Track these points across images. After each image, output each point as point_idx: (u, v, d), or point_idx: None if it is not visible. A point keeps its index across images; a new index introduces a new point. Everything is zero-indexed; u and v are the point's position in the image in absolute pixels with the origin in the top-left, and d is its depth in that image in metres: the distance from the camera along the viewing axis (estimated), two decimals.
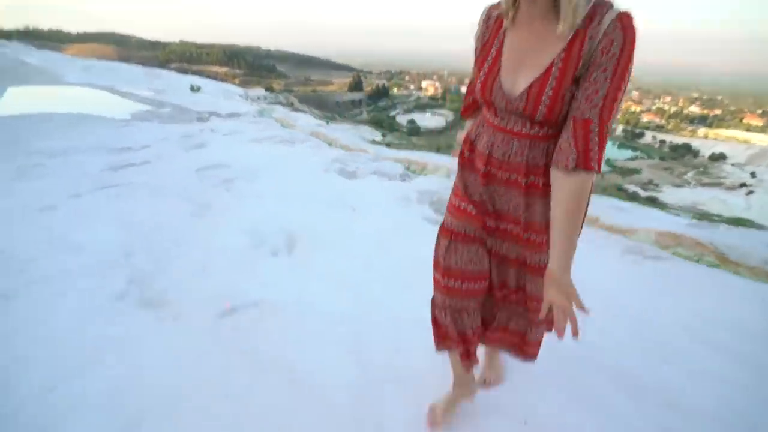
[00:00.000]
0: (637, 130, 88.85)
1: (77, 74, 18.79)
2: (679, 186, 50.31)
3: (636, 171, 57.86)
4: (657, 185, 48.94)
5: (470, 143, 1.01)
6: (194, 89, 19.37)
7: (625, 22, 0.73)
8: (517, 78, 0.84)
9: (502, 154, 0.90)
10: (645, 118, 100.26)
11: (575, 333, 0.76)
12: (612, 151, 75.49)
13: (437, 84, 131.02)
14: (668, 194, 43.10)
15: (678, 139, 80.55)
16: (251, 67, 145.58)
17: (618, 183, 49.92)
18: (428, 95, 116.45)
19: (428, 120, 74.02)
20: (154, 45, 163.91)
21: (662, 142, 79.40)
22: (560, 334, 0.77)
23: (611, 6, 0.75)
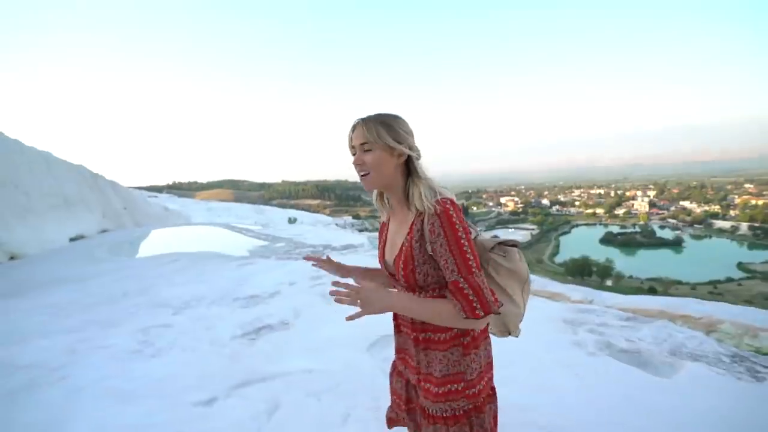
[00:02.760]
0: None
1: (203, 215, 22.71)
2: None
3: None
4: None
5: None
6: (291, 221, 21.99)
7: (439, 209, 0.94)
8: (392, 255, 1.08)
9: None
10: None
11: (334, 294, 0.94)
12: (741, 253, 65.20)
13: (516, 199, 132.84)
14: None
15: None
16: (339, 198, 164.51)
17: (764, 291, 41.44)
18: (508, 210, 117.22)
19: (512, 235, 72.92)
20: (261, 186, 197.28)
21: None
22: (337, 295, 0.95)
23: (435, 195, 0.98)
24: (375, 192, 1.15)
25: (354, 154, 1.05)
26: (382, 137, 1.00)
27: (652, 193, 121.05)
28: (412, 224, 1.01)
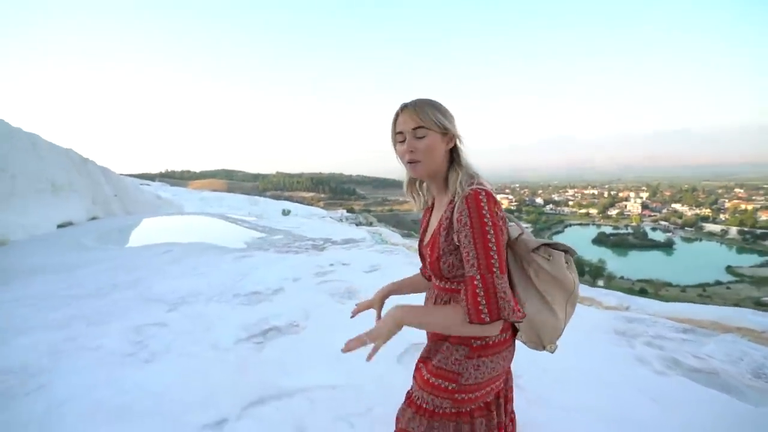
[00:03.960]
0: (758, 231, 77.42)
1: (196, 204, 22.20)
2: None
3: None
4: None
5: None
6: (285, 213, 21.65)
7: (469, 197, 0.89)
8: (427, 242, 1.06)
9: (427, 298, 1.11)
10: (763, 216, 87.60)
11: (345, 348, 0.89)
12: (730, 257, 66.26)
13: (511, 197, 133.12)
14: None
15: None
16: (334, 191, 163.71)
17: (754, 296, 42.02)
18: (503, 208, 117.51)
19: None
20: (256, 177, 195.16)
21: None
22: (345, 347, 0.90)
23: (472, 183, 0.93)
24: (406, 184, 1.13)
25: (401, 141, 0.99)
26: (439, 120, 0.95)
27: (644, 195, 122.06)
28: (445, 211, 0.97)
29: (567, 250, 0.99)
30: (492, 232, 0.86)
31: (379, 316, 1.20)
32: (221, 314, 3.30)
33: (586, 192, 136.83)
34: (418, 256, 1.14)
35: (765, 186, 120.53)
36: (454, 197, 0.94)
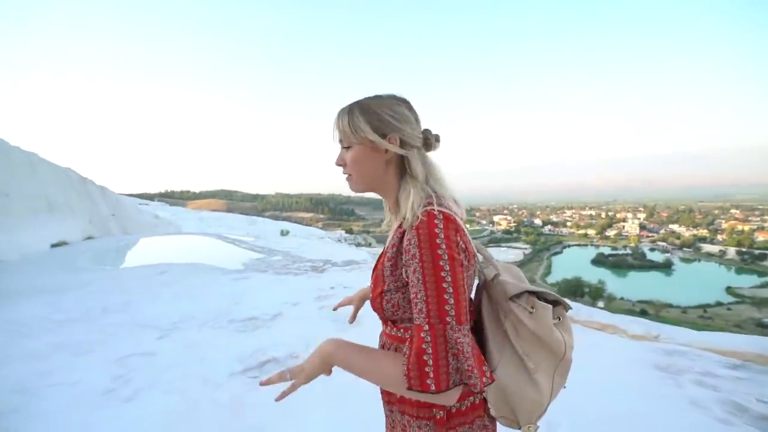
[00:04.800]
0: (756, 251, 77.48)
1: (194, 224, 21.99)
2: None
3: None
4: None
5: None
6: (284, 233, 21.44)
7: (421, 221, 0.68)
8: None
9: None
10: (760, 237, 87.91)
11: (264, 382, 0.75)
12: (729, 278, 65.99)
13: (509, 218, 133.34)
14: None
15: None
16: (333, 212, 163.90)
17: (756, 317, 41.58)
18: (501, 229, 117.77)
19: (504, 254, 73.53)
20: (255, 197, 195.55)
21: None
22: (262, 382, 0.76)
23: (428, 202, 0.72)
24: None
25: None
26: (359, 129, 0.77)
27: (642, 216, 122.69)
28: (392, 238, 0.79)
29: (557, 302, 0.76)
30: (448, 268, 0.65)
31: (354, 316, 1.09)
32: (215, 342, 3.06)
33: (583, 213, 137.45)
34: None
35: (760, 207, 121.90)
36: (403, 221, 0.73)
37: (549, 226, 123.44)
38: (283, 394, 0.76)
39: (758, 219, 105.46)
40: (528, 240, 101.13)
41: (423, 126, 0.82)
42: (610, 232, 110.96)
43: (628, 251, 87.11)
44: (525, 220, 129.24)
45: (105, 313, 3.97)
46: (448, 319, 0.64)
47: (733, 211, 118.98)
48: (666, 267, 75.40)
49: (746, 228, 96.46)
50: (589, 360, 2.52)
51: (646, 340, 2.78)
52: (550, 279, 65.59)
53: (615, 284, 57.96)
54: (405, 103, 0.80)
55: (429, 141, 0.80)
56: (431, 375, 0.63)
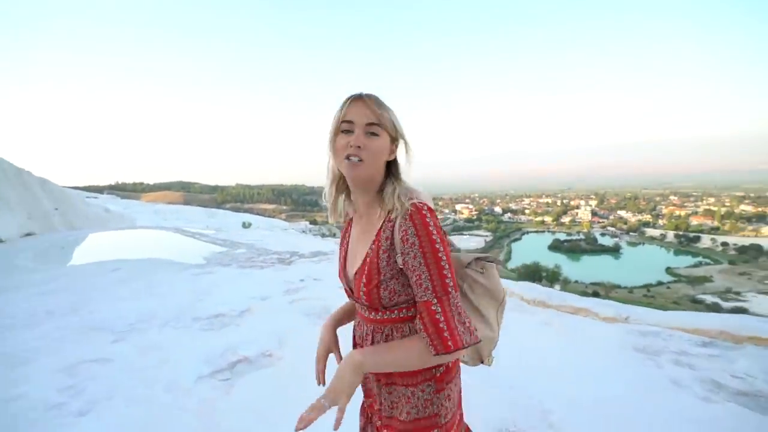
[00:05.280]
0: (691, 234, 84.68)
1: (149, 218, 20.74)
2: (765, 293, 44.46)
3: (707, 279, 53.10)
4: (738, 293, 43.74)
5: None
6: (246, 225, 20.73)
7: (413, 213, 0.79)
8: (352, 267, 0.91)
9: (359, 336, 0.96)
10: (694, 221, 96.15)
11: (299, 421, 0.72)
12: (669, 259, 71.72)
13: (471, 206, 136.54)
14: (757, 303, 38.27)
15: (742, 240, 75.09)
16: (296, 203, 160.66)
17: (689, 294, 45.55)
18: (464, 217, 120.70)
19: (467, 241, 75.68)
20: (214, 188, 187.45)
21: (724, 244, 74.16)
22: (299, 423, 0.72)
23: (410, 197, 0.82)
24: (328, 187, 0.95)
25: (345, 131, 0.84)
26: (395, 123, 0.86)
27: (593, 203, 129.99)
28: (379, 230, 0.85)
29: (495, 261, 0.96)
30: (442, 249, 0.78)
31: (339, 357, 1.04)
32: (179, 343, 2.84)
33: (540, 201, 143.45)
34: (343, 285, 0.98)
35: (695, 194, 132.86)
36: (390, 213, 0.82)
37: (509, 214, 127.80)
38: (338, 423, 0.75)
39: (692, 205, 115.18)
40: (489, 228, 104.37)
41: None
42: (565, 219, 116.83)
43: (582, 236, 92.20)
44: (486, 208, 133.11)
45: (50, 317, 3.59)
46: (449, 289, 0.78)
47: (672, 197, 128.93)
48: (615, 251, 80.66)
49: (683, 213, 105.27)
50: (572, 345, 2.57)
51: (617, 322, 2.89)
52: (511, 264, 68.25)
53: (570, 268, 61.31)
54: None
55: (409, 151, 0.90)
56: (449, 338, 0.76)
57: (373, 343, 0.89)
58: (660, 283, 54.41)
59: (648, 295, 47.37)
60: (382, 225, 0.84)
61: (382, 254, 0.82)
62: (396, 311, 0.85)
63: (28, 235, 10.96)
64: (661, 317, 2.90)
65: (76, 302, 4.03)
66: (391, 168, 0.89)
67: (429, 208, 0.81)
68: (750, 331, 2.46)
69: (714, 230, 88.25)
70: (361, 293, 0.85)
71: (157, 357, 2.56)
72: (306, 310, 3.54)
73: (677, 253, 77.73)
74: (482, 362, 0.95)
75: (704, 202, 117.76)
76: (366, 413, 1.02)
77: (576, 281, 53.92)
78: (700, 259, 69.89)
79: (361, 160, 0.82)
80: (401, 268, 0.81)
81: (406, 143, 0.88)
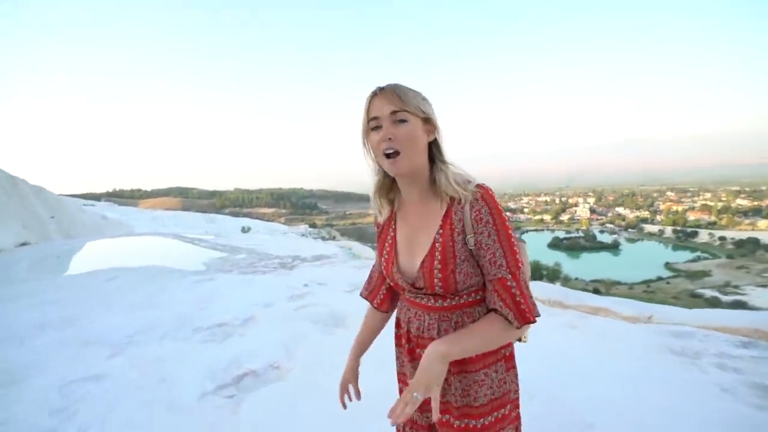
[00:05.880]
0: (689, 229, 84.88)
1: (147, 224, 20.55)
2: (764, 286, 44.56)
3: (705, 273, 53.16)
4: (737, 287, 43.81)
5: (398, 320, 1.01)
6: (245, 230, 20.59)
7: (483, 192, 0.81)
8: (413, 258, 0.89)
9: (417, 329, 0.91)
10: (691, 216, 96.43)
11: (391, 415, 0.70)
12: (668, 254, 71.85)
13: None
14: (756, 297, 38.38)
15: (739, 234, 75.27)
16: (295, 206, 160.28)
17: (689, 288, 45.55)
18: None
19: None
20: (212, 194, 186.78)
21: (722, 239, 74.29)
22: (391, 417, 0.70)
23: (469, 182, 0.83)
24: (376, 184, 0.93)
25: (374, 128, 0.83)
26: (421, 104, 0.82)
27: (591, 200, 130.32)
28: (446, 215, 0.83)
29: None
30: (511, 226, 0.82)
31: (357, 391, 1.07)
32: (180, 356, 2.68)
33: (539, 199, 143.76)
34: (397, 281, 0.92)
35: (691, 189, 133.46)
36: (454, 199, 0.82)
37: (508, 213, 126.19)
38: (436, 412, 0.74)
39: (689, 200, 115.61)
40: None
41: None
42: (564, 217, 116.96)
43: (581, 234, 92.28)
44: None
45: (43, 330, 3.42)
46: (519, 264, 0.81)
47: (669, 193, 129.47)
48: (614, 247, 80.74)
49: (680, 209, 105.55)
50: (604, 350, 2.40)
51: (640, 322, 2.75)
52: None
53: (570, 266, 61.26)
54: None
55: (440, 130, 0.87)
56: (527, 310, 0.79)
57: (439, 333, 0.86)
58: (660, 279, 54.43)
59: (648, 291, 47.35)
60: (447, 210, 0.83)
61: (457, 236, 0.82)
62: (465, 296, 0.85)
63: (23, 244, 10.77)
64: (686, 315, 2.75)
65: (71, 314, 3.86)
66: (434, 151, 0.86)
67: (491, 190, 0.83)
68: None
69: (711, 225, 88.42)
70: (436, 280, 0.83)
71: (157, 373, 2.40)
72: (313, 317, 3.39)
73: (675, 248, 77.81)
74: (519, 340, 0.93)
75: (701, 197, 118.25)
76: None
77: (576, 278, 53.89)
78: (698, 253, 69.95)
79: (397, 152, 0.80)
80: (471, 250, 0.82)
81: (436, 124, 0.86)
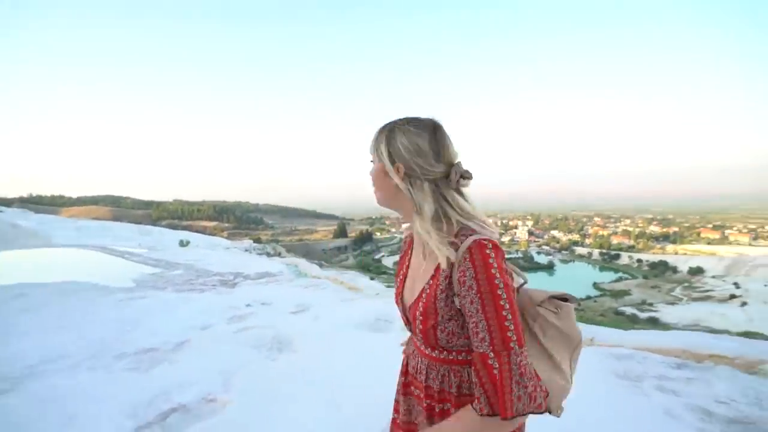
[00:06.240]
0: (612, 252, 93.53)
1: (69, 235, 18.41)
2: (672, 303, 50.23)
3: (626, 293, 58.71)
4: (651, 304, 48.90)
5: (404, 350, 1.01)
6: (183, 244, 19.23)
7: (473, 252, 0.72)
8: (411, 296, 0.87)
9: (412, 368, 0.91)
10: (615, 240, 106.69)
11: None
12: (595, 275, 78.37)
13: None
14: (666, 313, 43.03)
15: (652, 257, 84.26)
16: (239, 220, 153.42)
17: (613, 306, 49.91)
18: None
19: None
20: (148, 204, 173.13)
21: (639, 261, 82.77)
22: None
23: (470, 235, 0.75)
24: None
25: None
26: (378, 150, 0.85)
27: (530, 223, 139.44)
28: (436, 269, 0.79)
29: (568, 299, 0.86)
30: (505, 296, 0.70)
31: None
32: (95, 389, 2.32)
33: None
34: (399, 311, 0.93)
35: (614, 216, 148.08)
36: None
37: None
38: None
39: (613, 225, 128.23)
40: None
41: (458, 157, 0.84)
42: (505, 238, 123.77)
43: (520, 255, 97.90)
44: None
45: None
46: (511, 344, 0.68)
47: (596, 218, 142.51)
48: (549, 268, 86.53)
49: (605, 233, 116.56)
50: None
51: (584, 345, 2.87)
52: None
53: None
54: (432, 132, 0.82)
55: (450, 176, 0.81)
56: (512, 401, 0.67)
57: (427, 379, 0.85)
58: (588, 297, 59.00)
59: (578, 309, 50.35)
60: (437, 266, 0.79)
61: (440, 294, 0.77)
62: (454, 353, 0.81)
63: None
64: (625, 337, 2.94)
65: None
66: (443, 195, 0.81)
67: (494, 245, 0.73)
68: (708, 349, 2.54)
69: (630, 248, 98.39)
70: (417, 330, 0.83)
71: (61, 412, 2.04)
72: (255, 341, 3.15)
73: (602, 269, 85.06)
74: (549, 412, 0.82)
75: (622, 223, 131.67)
76: None
77: None
78: (621, 274, 77.04)
79: (374, 189, 0.88)
80: (459, 310, 0.76)
81: (409, 167, 0.81)
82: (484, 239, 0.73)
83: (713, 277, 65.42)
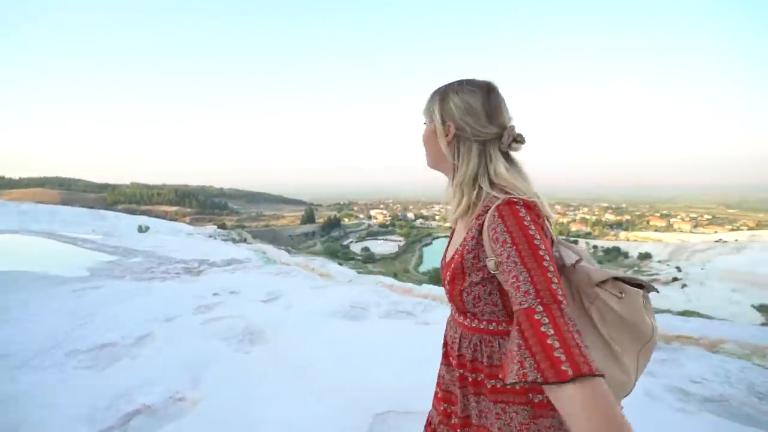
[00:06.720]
0: (572, 238, 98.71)
1: (10, 219, 16.97)
2: None
3: None
4: None
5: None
6: (142, 230, 18.25)
7: (502, 210, 0.70)
8: (447, 261, 0.87)
9: (450, 337, 0.90)
10: (573, 227, 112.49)
11: None
12: None
13: (385, 212, 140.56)
14: None
15: (606, 243, 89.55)
16: (203, 205, 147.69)
17: None
18: (378, 223, 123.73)
19: (381, 246, 77.64)
20: (102, 187, 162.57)
21: (595, 247, 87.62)
22: None
23: (498, 198, 0.74)
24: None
25: None
26: (429, 111, 0.86)
27: None
28: (467, 232, 0.77)
29: (643, 285, 0.75)
30: (543, 248, 0.65)
31: None
32: (44, 391, 2.10)
33: (449, 207, 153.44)
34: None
35: (573, 204, 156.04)
36: (481, 216, 0.75)
37: (420, 220, 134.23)
38: None
39: (572, 213, 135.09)
40: (402, 233, 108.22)
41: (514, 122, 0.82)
42: None
43: None
44: (399, 214, 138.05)
45: None
46: (559, 297, 0.61)
47: (557, 206, 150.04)
48: None
49: (565, 220, 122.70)
50: None
51: None
52: (422, 268, 71.45)
53: None
54: (486, 93, 0.80)
55: (502, 138, 0.79)
56: (564, 360, 0.54)
57: (460, 347, 0.83)
58: None
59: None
60: (473, 223, 0.77)
61: (467, 254, 0.76)
62: (485, 321, 0.79)
63: None
64: None
65: None
66: (491, 157, 0.79)
67: (526, 203, 0.70)
68: (674, 330, 2.67)
69: (588, 235, 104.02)
70: (448, 295, 0.83)
71: (3, 420, 1.81)
72: (224, 333, 2.98)
73: None
74: None
75: (581, 211, 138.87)
76: (434, 421, 0.93)
77: None
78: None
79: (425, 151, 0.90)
80: (493, 275, 0.73)
81: (458, 126, 0.80)
82: (514, 198, 0.71)
83: (659, 261, 70.50)
